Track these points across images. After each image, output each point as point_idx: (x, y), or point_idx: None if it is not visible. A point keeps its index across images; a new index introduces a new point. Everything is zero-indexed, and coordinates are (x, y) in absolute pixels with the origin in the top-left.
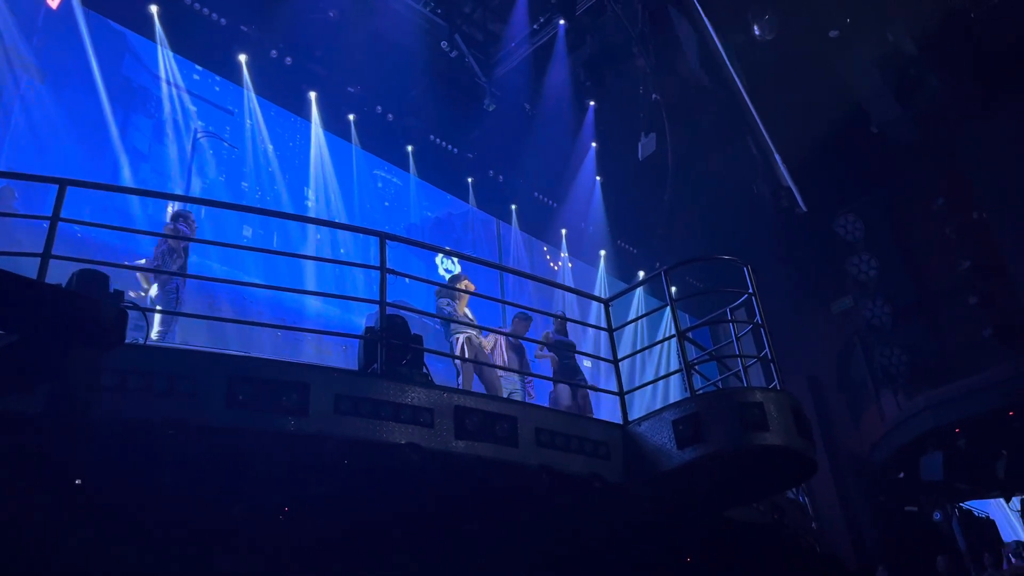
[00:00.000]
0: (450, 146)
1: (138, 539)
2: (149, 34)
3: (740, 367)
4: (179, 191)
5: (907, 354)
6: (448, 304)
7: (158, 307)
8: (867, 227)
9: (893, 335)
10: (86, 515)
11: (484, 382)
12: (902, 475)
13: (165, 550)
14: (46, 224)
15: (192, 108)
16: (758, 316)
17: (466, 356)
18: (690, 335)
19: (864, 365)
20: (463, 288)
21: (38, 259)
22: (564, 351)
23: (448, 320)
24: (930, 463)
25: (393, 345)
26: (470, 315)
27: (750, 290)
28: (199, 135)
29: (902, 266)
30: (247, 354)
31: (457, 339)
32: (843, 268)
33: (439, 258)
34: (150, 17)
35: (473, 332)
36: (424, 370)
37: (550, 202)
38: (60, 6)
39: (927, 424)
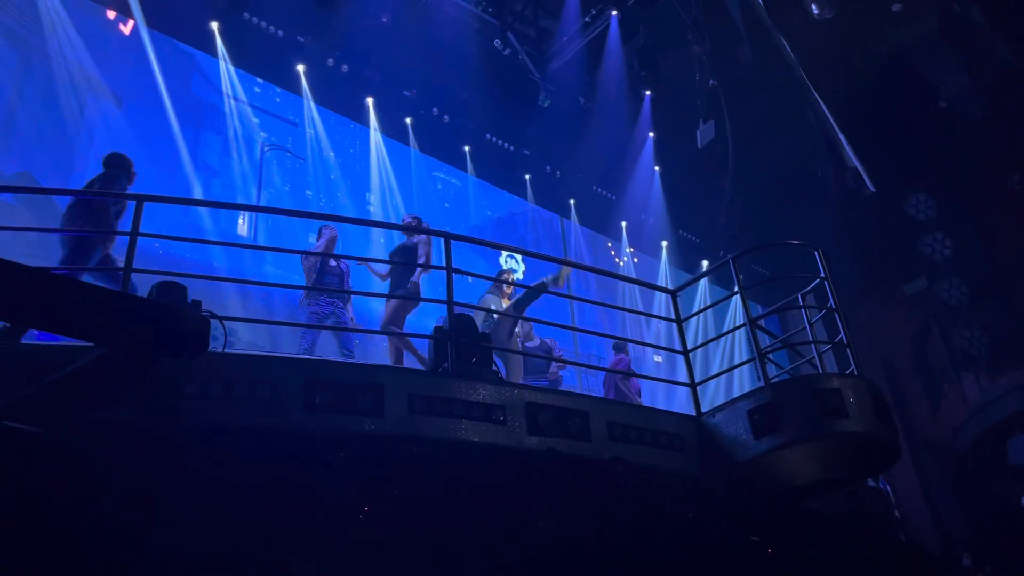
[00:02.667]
0: (506, 144)
1: (220, 541)
2: (211, 50)
3: (814, 354)
4: (247, 202)
5: (988, 335)
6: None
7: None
8: (939, 205)
9: (972, 315)
10: (173, 519)
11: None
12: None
13: (246, 553)
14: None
15: (255, 120)
16: (831, 301)
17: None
18: (760, 323)
19: (942, 347)
20: (506, 281)
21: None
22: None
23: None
24: (1018, 446)
25: (462, 344)
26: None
27: (822, 274)
28: (265, 148)
29: (978, 244)
30: (323, 358)
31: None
32: (915, 248)
33: (503, 258)
34: (211, 34)
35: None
36: (493, 367)
37: (609, 195)
38: (131, 32)
39: (1013, 406)
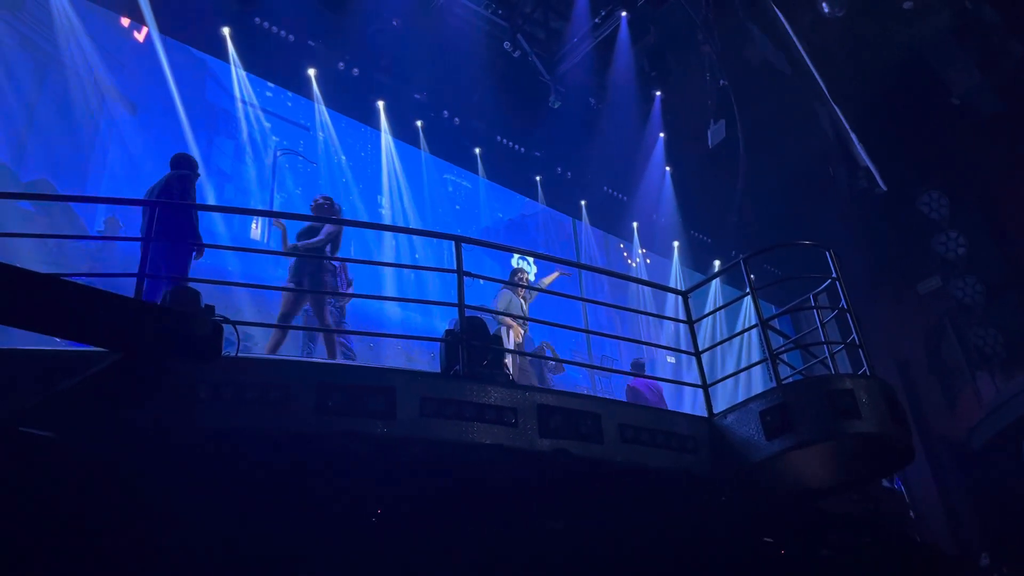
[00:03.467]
0: (517, 146)
1: (234, 543)
2: (223, 56)
3: (827, 354)
4: (261, 207)
5: (1003, 334)
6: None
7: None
8: (952, 203)
9: (987, 314)
10: (186, 521)
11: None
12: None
13: (259, 555)
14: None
15: (267, 125)
16: (843, 301)
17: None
18: (773, 323)
19: (957, 347)
20: (519, 280)
21: None
22: None
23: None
24: None
25: (473, 346)
26: (525, 307)
27: (833, 275)
28: (278, 153)
29: (992, 242)
30: (334, 361)
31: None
32: (929, 247)
33: (515, 260)
34: (223, 39)
35: (518, 326)
36: (505, 370)
37: (620, 196)
38: (145, 39)
39: None
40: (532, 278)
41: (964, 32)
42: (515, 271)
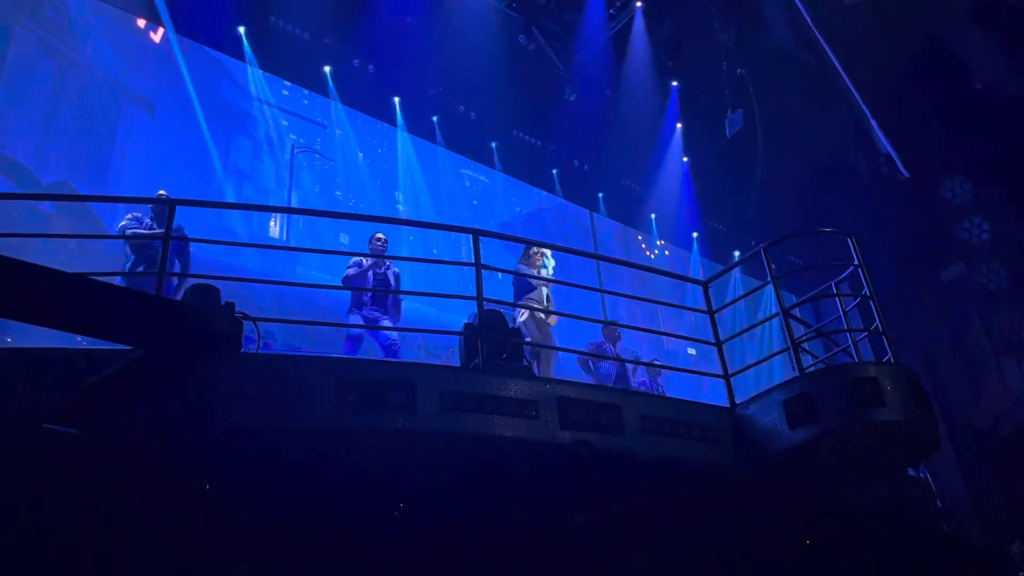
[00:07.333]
0: (533, 139)
1: (257, 539)
2: (239, 55)
3: (849, 342)
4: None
5: None
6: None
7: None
8: (976, 189)
9: (1012, 301)
10: (211, 518)
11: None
12: None
13: (282, 550)
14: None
15: (284, 123)
16: (866, 288)
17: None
18: (795, 312)
19: (982, 334)
20: (536, 256)
21: None
22: None
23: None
24: None
25: (493, 339)
26: (545, 292)
27: (856, 262)
28: (295, 151)
29: (1017, 227)
30: (354, 357)
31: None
32: (952, 233)
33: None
34: (239, 39)
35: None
36: (525, 363)
37: (638, 187)
38: (162, 39)
39: None
40: (551, 272)
41: (986, 15)
42: (529, 245)
